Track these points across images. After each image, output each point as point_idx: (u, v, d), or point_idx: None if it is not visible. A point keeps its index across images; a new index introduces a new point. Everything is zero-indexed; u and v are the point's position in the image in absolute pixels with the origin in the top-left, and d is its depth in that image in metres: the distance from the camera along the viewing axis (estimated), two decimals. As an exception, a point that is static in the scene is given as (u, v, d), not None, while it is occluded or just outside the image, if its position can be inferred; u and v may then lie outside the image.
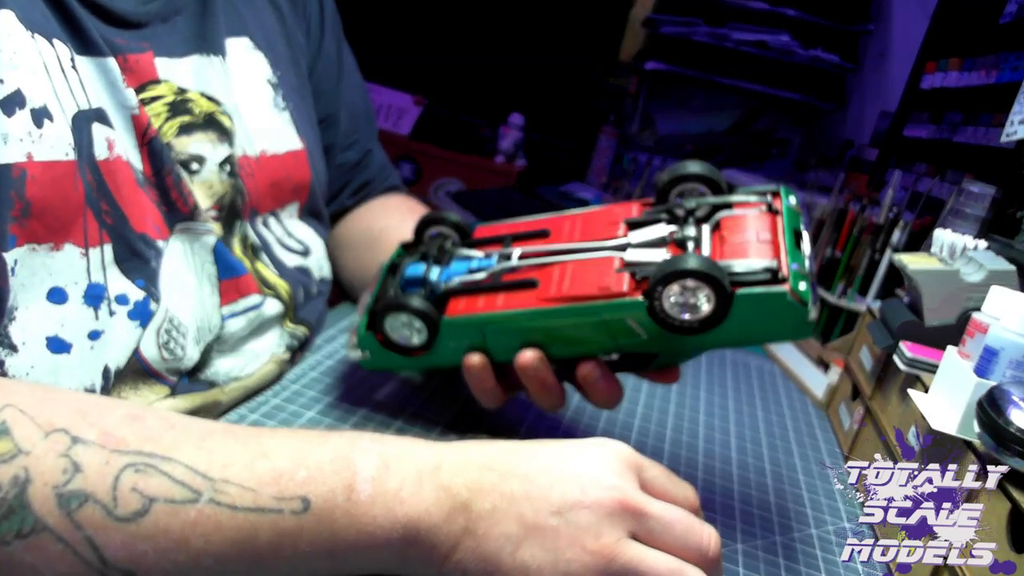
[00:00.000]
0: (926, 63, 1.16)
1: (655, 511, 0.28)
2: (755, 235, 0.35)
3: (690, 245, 0.36)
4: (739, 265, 0.33)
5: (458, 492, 0.27)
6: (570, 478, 0.28)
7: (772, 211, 0.37)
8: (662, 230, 0.37)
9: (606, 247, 0.38)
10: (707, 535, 0.29)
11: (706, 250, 0.35)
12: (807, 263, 0.34)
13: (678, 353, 0.38)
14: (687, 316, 0.33)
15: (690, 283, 0.32)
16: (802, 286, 0.33)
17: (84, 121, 0.34)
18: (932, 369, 0.44)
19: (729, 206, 0.38)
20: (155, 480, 0.24)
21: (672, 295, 0.33)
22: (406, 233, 0.47)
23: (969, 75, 1.01)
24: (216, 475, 0.25)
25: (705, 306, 0.33)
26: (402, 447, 0.28)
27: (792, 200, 0.38)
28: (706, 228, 0.37)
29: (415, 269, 0.41)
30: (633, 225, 0.39)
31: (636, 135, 1.68)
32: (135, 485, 0.24)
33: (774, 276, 0.33)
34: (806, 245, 0.35)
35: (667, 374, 0.39)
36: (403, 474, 0.27)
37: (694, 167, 0.39)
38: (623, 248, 0.37)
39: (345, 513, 0.26)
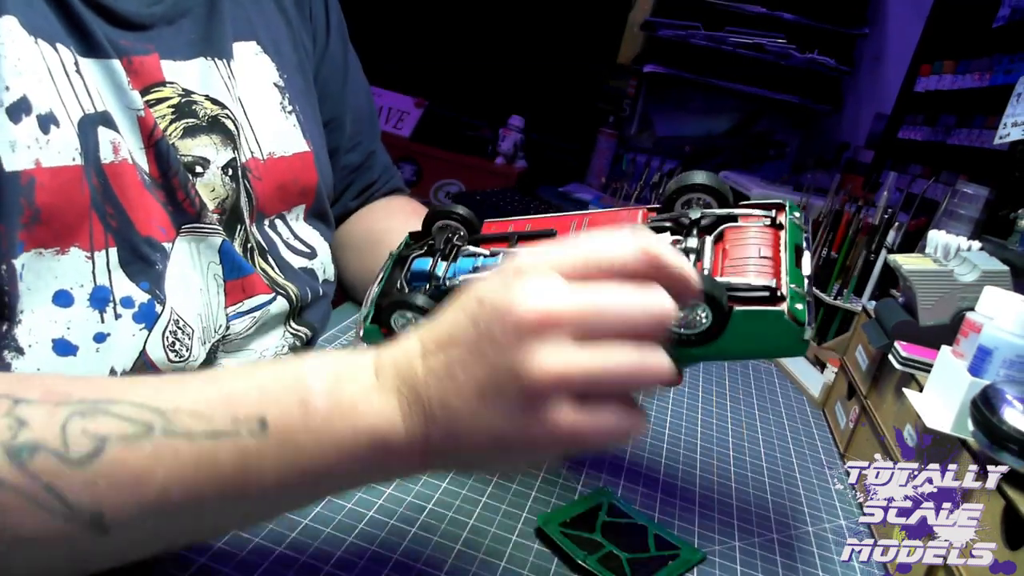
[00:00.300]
0: (920, 66, 1.17)
1: (585, 306, 0.25)
2: (757, 251, 0.36)
3: (691, 257, 0.36)
4: (739, 282, 0.34)
5: (404, 389, 0.26)
6: (492, 323, 0.25)
7: (776, 225, 0.38)
8: (665, 239, 0.38)
9: None
10: (649, 301, 0.25)
11: (707, 263, 0.36)
12: (806, 282, 0.35)
13: (675, 360, 0.39)
14: (684, 329, 0.34)
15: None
16: (799, 306, 0.33)
17: (90, 125, 0.35)
18: (927, 368, 0.45)
19: (734, 218, 0.38)
20: (104, 421, 0.24)
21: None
22: (403, 235, 0.47)
23: (963, 78, 1.02)
24: (167, 406, 0.25)
25: (703, 321, 0.33)
26: (348, 359, 0.28)
27: (796, 214, 0.38)
28: (709, 240, 0.37)
29: (422, 264, 0.42)
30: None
31: (635, 137, 1.69)
32: (84, 428, 0.23)
33: (772, 295, 0.34)
34: (807, 263, 0.36)
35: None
36: (353, 385, 0.26)
37: (700, 177, 0.39)
38: None
39: (305, 430, 0.25)
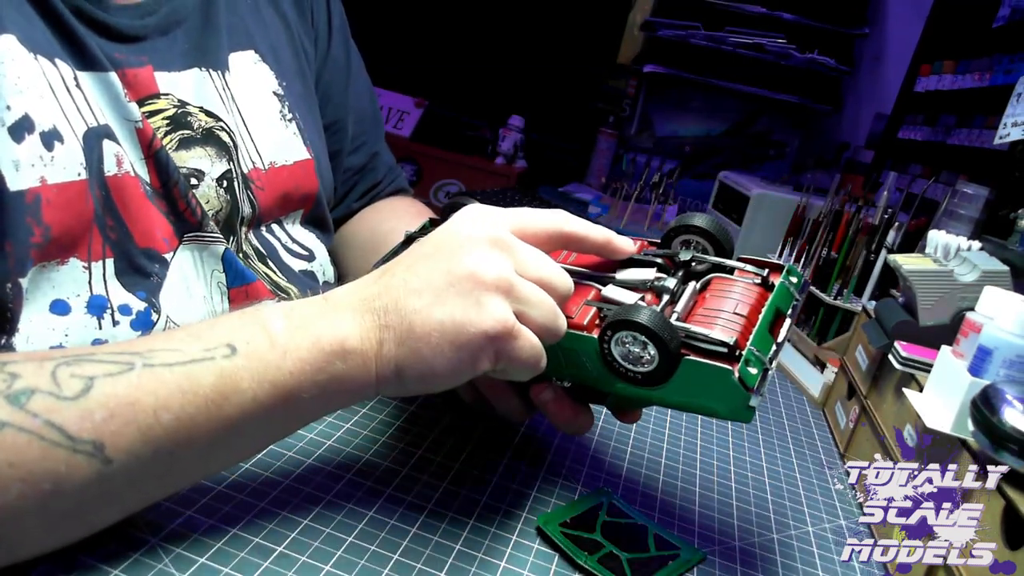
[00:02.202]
0: (920, 66, 1.17)
1: (522, 243, 0.33)
2: (733, 306, 0.34)
3: (664, 297, 0.35)
4: (698, 331, 0.33)
5: (356, 303, 0.31)
6: (450, 241, 0.32)
7: (766, 286, 0.36)
8: (647, 274, 0.37)
9: (591, 276, 0.38)
10: (557, 268, 0.33)
11: (681, 306, 0.35)
12: (772, 349, 0.33)
13: (624, 399, 0.38)
14: (630, 366, 0.33)
15: (640, 335, 0.32)
16: (752, 370, 0.32)
17: (95, 138, 0.35)
18: (927, 368, 0.45)
19: (726, 269, 0.37)
20: (88, 366, 0.26)
21: (623, 342, 0.33)
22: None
23: (963, 78, 1.02)
24: (142, 349, 0.27)
25: (650, 362, 0.33)
26: (296, 301, 0.32)
27: (793, 279, 0.37)
28: (692, 284, 0.36)
29: None
30: (627, 262, 0.38)
31: (635, 137, 1.69)
32: (72, 372, 0.25)
33: (731, 352, 0.32)
34: (783, 331, 0.35)
35: (626, 415, 0.40)
36: (306, 312, 0.30)
37: (701, 221, 0.38)
38: (606, 282, 0.37)
39: (271, 347, 0.28)
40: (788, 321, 0.35)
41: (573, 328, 0.34)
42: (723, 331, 0.33)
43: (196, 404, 0.27)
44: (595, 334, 0.34)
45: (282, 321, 0.29)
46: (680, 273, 0.37)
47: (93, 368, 0.26)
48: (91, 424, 0.25)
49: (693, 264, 0.38)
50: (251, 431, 0.29)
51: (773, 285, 0.36)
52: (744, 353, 0.32)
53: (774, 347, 0.34)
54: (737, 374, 0.32)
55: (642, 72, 1.62)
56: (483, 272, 0.30)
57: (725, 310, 0.34)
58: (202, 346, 0.28)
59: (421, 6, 1.79)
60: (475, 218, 0.33)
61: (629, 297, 0.35)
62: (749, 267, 0.37)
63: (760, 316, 0.34)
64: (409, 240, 0.43)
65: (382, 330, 0.30)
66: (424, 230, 0.44)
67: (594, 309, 0.35)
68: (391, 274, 0.32)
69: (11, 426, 0.23)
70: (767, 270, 0.37)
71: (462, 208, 0.34)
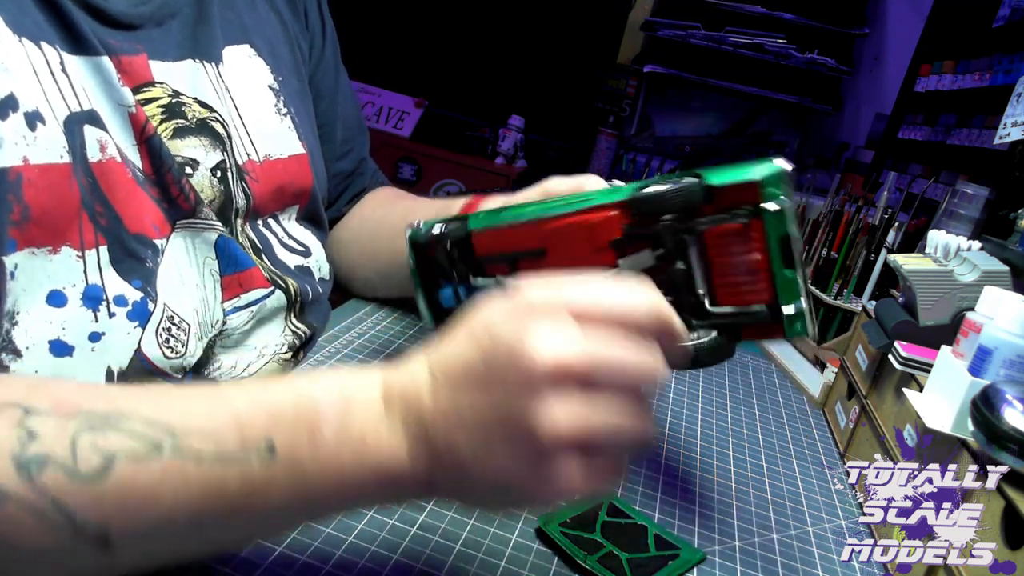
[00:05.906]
0: (920, 66, 1.17)
1: (595, 360, 0.25)
2: (745, 266, 0.35)
3: (681, 276, 0.35)
4: (737, 310, 0.35)
5: (412, 423, 0.26)
6: (505, 365, 0.25)
7: (758, 216, 0.35)
8: (646, 256, 0.36)
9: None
10: (651, 363, 0.26)
11: (701, 284, 0.35)
12: (799, 283, 0.34)
13: None
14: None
15: None
16: (797, 326, 0.34)
17: (76, 123, 0.35)
18: (927, 368, 0.45)
19: (706, 220, 0.35)
20: (114, 436, 0.24)
21: None
22: (399, 216, 0.46)
23: (963, 78, 1.02)
24: (176, 424, 0.25)
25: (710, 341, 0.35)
26: (357, 382, 0.27)
27: (772, 191, 0.34)
28: (693, 251, 0.35)
29: (448, 300, 0.43)
30: (617, 245, 0.37)
31: (635, 137, 1.69)
32: (94, 443, 0.23)
33: (772, 313, 0.34)
34: (797, 253, 0.34)
35: None
36: (362, 415, 0.26)
37: (669, 203, 0.35)
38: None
39: (312, 459, 0.25)
40: (794, 240, 0.34)
41: None
42: (754, 297, 0.35)
43: (217, 508, 0.25)
44: None
45: (332, 428, 0.26)
46: (676, 252, 0.36)
47: (119, 441, 0.24)
48: (100, 512, 0.23)
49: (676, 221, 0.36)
50: (265, 529, 0.28)
51: (762, 210, 0.34)
52: (783, 317, 0.34)
53: (799, 278, 0.34)
54: (787, 335, 0.34)
55: (642, 72, 1.62)
56: (548, 433, 0.24)
57: (741, 273, 0.35)
58: (240, 438, 0.25)
59: (421, 6, 1.79)
60: (536, 326, 0.25)
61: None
62: (729, 221, 0.34)
63: (770, 261, 0.35)
64: (413, 243, 0.43)
65: (433, 466, 0.26)
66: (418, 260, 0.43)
67: None
68: (444, 388, 0.26)
69: (14, 500, 0.22)
70: (746, 207, 0.34)
71: (517, 291, 0.27)
